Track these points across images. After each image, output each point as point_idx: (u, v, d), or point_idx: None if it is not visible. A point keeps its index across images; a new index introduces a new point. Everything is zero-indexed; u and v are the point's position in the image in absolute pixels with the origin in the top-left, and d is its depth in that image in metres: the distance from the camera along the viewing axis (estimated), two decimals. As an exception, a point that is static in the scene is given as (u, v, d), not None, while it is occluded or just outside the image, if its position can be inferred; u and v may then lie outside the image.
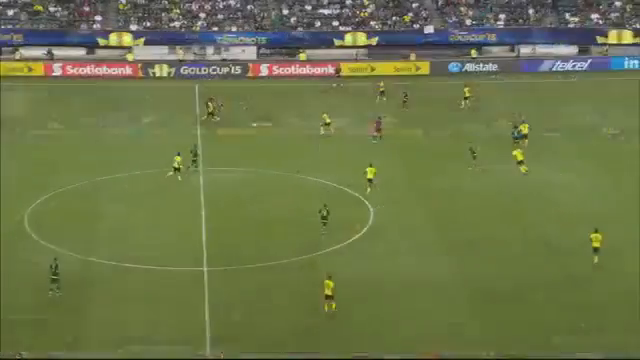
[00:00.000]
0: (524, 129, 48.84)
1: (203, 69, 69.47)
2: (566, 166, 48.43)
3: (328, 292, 33.39)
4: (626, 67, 69.92)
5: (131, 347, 31.28)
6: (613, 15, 73.82)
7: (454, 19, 74.17)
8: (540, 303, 34.25)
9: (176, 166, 46.39)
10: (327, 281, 33.61)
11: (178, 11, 73.73)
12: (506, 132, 52.75)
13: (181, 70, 69.12)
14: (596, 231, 37.40)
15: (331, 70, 69.18)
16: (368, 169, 44.85)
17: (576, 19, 74.09)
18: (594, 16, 73.94)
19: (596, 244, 37.06)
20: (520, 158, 47.04)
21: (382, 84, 61.29)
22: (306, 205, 43.63)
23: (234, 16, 74.13)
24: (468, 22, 74.06)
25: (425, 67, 69.99)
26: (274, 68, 70.13)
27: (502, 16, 74.42)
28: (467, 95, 59.33)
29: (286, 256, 38.34)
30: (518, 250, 38.91)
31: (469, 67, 70.34)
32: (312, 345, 31.73)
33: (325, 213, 40.28)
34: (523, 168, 46.87)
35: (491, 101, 61.64)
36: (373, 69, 69.95)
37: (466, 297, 34.98)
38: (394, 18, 74.17)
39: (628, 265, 37.15)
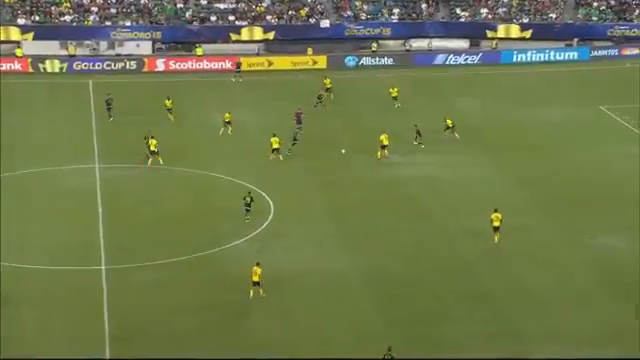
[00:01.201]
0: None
1: (97, 64, 67.96)
2: (459, 157, 49.37)
3: (255, 278, 33.72)
4: (515, 61, 72.09)
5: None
6: (501, 10, 76.04)
7: (349, 13, 74.92)
8: (439, 293, 34.85)
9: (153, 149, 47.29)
10: (255, 268, 33.87)
11: (69, 5, 71.84)
12: (404, 125, 53.70)
13: (74, 65, 67.43)
14: (496, 211, 38.57)
15: (229, 65, 68.80)
16: (272, 139, 47.89)
17: (466, 14, 75.99)
18: (483, 11, 75.99)
19: (496, 223, 38.25)
20: (385, 142, 47.94)
21: (328, 81, 60.05)
22: (207, 200, 43.40)
23: (127, 10, 72.78)
24: (363, 16, 74.94)
25: (322, 61, 70.39)
26: (170, 63, 69.20)
27: (396, 10, 75.60)
28: (395, 95, 58.06)
29: (186, 252, 37.99)
30: (416, 240, 39.51)
31: (366, 61, 71.15)
32: (213, 343, 31.53)
33: (249, 200, 40.42)
34: (380, 153, 47.73)
35: (385, 94, 62.52)
36: (271, 63, 69.94)
37: (366, 288, 35.31)
38: (290, 12, 74.34)
39: (516, 252, 38.17)
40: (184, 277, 36.20)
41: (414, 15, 75.84)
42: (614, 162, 48.58)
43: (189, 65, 69.48)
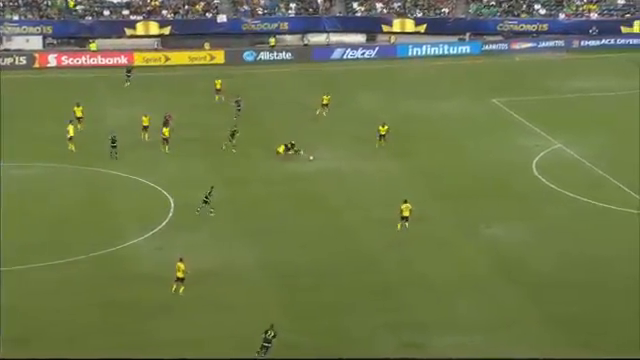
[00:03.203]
0: (382, 130, 49.03)
1: (-15, 60, 65.67)
2: (359, 151, 49.85)
3: (179, 274, 33.42)
4: (410, 54, 73.37)
5: None
6: (396, 5, 77.23)
7: (246, 8, 74.65)
8: (342, 285, 35.11)
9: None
10: (178, 264, 33.61)
11: (-48, -1, 69.22)
12: (306, 119, 53.98)
13: (-40, 61, 64.98)
14: (405, 202, 39.37)
15: (124, 60, 67.55)
16: (164, 129, 47.96)
17: (362, 8, 76.85)
18: (379, 5, 77.01)
19: (406, 213, 39.25)
20: (280, 151, 48.15)
21: (219, 82, 58.43)
22: (104, 198, 42.58)
23: (15, 4, 70.45)
24: (260, 11, 74.79)
25: (220, 56, 69.95)
26: (63, 58, 67.49)
27: (293, 5, 75.78)
28: (325, 102, 55.39)
29: (84, 251, 37.24)
30: (319, 234, 39.69)
31: (264, 56, 71.09)
32: (113, 342, 31.08)
33: (208, 192, 40.49)
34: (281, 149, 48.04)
35: (285, 90, 62.69)
36: (167, 59, 69.06)
37: (269, 283, 35.34)
38: (186, 7, 73.52)
39: (416, 243, 38.82)
40: (82, 276, 35.51)
41: (311, 10, 76.20)
42: (506, 153, 49.90)
43: (83, 61, 67.91)
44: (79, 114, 51.42)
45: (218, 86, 58.55)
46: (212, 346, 30.93)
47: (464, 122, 55.60)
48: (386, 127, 49.46)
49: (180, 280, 33.72)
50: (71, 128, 48.84)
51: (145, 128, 50.28)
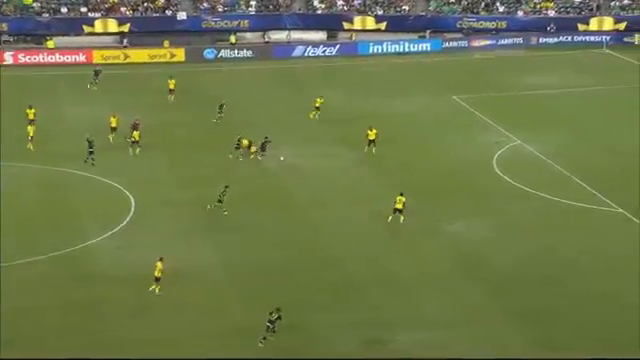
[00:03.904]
0: (372, 134, 48.12)
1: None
2: (321, 149, 49.76)
3: (157, 274, 33.33)
4: (371, 52, 73.54)
5: None
6: (356, 2, 77.35)
7: (206, 5, 74.23)
8: (305, 283, 35.04)
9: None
10: (157, 263, 33.45)
11: None
12: (268, 117, 53.85)
13: None
14: (401, 194, 39.62)
15: (83, 58, 66.80)
16: (134, 133, 46.89)
17: (323, 5, 76.84)
18: (339, 2, 77.05)
19: (399, 205, 39.65)
20: (246, 143, 47.60)
21: (172, 82, 57.46)
22: (64, 198, 42.06)
23: (-30, 1, 69.46)
24: (220, 8, 74.44)
25: (180, 54, 69.50)
26: (20, 56, 66.53)
27: (253, 2, 75.52)
28: (317, 105, 54.47)
29: (43, 252, 36.76)
30: (281, 231, 39.55)
31: (224, 53, 70.77)
32: (73, 342, 30.73)
33: (222, 191, 40.07)
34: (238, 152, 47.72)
35: (247, 87, 62.48)
36: (127, 56, 68.43)
37: (230, 281, 35.11)
38: (145, 4, 72.89)
39: (379, 240, 38.91)
40: (42, 277, 35.02)
41: (271, 7, 76.02)
42: (467, 150, 50.15)
43: (40, 58, 67.02)
44: (31, 117, 50.05)
45: (171, 86, 57.52)
46: (174, 346, 30.70)
47: (425, 119, 55.86)
48: (374, 131, 47.89)
49: (158, 280, 33.53)
50: (31, 128, 48.10)
51: (113, 129, 49.48)
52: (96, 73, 60.74)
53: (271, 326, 30.54)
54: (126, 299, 33.46)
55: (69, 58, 67.18)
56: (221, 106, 53.60)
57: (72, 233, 38.61)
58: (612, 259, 37.10)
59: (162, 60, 68.39)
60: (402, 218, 39.70)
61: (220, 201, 40.38)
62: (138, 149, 47.85)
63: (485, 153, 49.44)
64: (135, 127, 48.72)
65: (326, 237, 39.17)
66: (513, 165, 47.66)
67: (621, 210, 41.69)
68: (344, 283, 35.02)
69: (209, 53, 70.39)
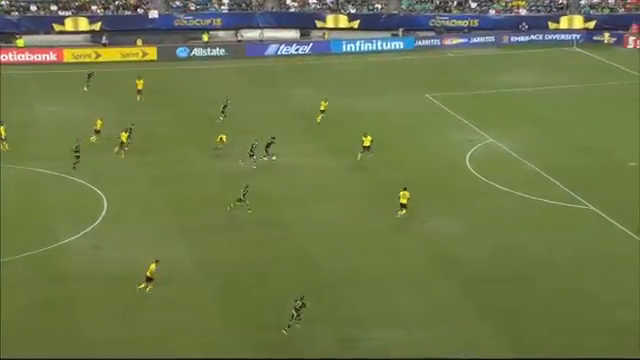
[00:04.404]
0: (366, 141, 47.38)
1: None
2: (295, 147, 49.58)
3: (148, 274, 33.27)
4: (344, 50, 73.61)
5: None
6: (329, 0, 77.37)
7: (178, 4, 73.87)
8: (279, 282, 34.94)
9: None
10: (152, 265, 33.43)
11: None
12: (241, 116, 53.53)
13: None
14: (405, 189, 39.93)
15: (53, 57, 66.22)
16: (122, 136, 46.53)
17: (296, 4, 76.78)
18: (312, 1, 77.04)
19: (403, 200, 39.99)
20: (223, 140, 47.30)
21: (141, 82, 57.03)
22: (37, 198, 41.67)
23: (-62, -1, 68.58)
24: (192, 7, 74.12)
25: (152, 52, 69.11)
26: (-11, 55, 65.85)
27: (226, 1, 75.30)
28: (323, 108, 53.68)
29: (15, 252, 36.39)
30: (255, 230, 39.40)
31: (197, 52, 70.50)
32: (46, 342, 30.49)
33: (243, 191, 39.98)
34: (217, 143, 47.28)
35: (219, 86, 62.26)
36: (98, 55, 67.91)
37: (204, 281, 34.94)
38: (117, 2, 72.38)
39: (353, 238, 38.82)
40: (14, 277, 34.62)
41: (244, 5, 75.83)
42: (440, 148, 50.32)
43: (9, 57, 66.30)
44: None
45: (140, 86, 57.06)
46: (150, 344, 30.53)
47: (398, 117, 55.98)
48: (369, 137, 46.93)
49: (150, 280, 33.48)
50: (2, 128, 47.52)
51: (97, 132, 48.96)
52: (89, 76, 60.00)
53: (296, 314, 30.82)
54: (101, 298, 33.22)
55: (39, 57, 66.54)
56: (225, 106, 53.29)
57: (45, 233, 38.25)
58: (583, 257, 37.33)
59: (134, 59, 67.97)
60: (399, 213, 39.95)
61: (241, 200, 40.13)
62: (123, 152, 47.40)
63: (458, 151, 49.61)
64: (126, 130, 48.04)
65: (300, 235, 39.03)
66: (486, 163, 47.86)
67: (592, 208, 41.99)
68: (317, 281, 34.95)
69: (182, 52, 70.07)
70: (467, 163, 47.93)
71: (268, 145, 46.78)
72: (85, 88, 59.28)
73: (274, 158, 46.96)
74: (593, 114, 57.01)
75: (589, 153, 49.61)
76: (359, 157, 47.14)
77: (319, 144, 50.16)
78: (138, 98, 56.96)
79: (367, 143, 47.21)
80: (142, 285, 33.43)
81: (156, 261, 33.71)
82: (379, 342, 30.93)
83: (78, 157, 45.20)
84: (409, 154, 49.49)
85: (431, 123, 55.16)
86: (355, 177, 45.73)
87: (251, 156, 46.00)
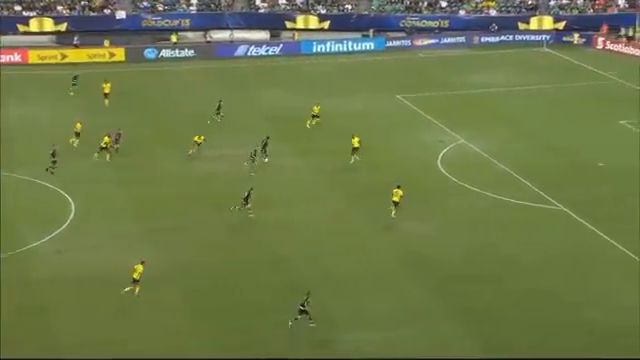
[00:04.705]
0: (356, 143, 47.00)
1: None
2: (268, 150, 48.72)
3: (135, 276, 32.89)
4: (315, 51, 73.28)
5: None
6: (299, 1, 76.99)
7: (146, 4, 73.09)
8: (250, 285, 34.57)
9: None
10: (138, 265, 33.11)
11: None
12: (210, 117, 53.09)
13: None
14: (398, 187, 39.97)
15: (18, 58, 65.19)
16: (105, 140, 45.59)
17: (265, 4, 76.31)
18: (282, 2, 76.61)
19: (395, 198, 39.94)
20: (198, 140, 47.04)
21: (107, 86, 56.08)
22: (3, 202, 40.89)
23: None
24: (160, 7, 73.37)
25: (120, 54, 68.32)
26: (-47, 56, 64.68)
27: (194, 1, 74.64)
28: (315, 113, 52.78)
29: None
30: (225, 234, 39.07)
31: (165, 53, 69.80)
32: (17, 347, 29.90)
33: (246, 193, 39.75)
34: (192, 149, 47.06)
35: (189, 87, 61.64)
36: (64, 56, 66.96)
37: (173, 284, 34.47)
38: (83, 3, 71.44)
39: (326, 240, 38.63)
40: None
41: (213, 6, 75.22)
42: (412, 149, 50.18)
43: (-26, 58, 65.27)
44: None
45: (107, 90, 56.23)
46: (118, 347, 30.16)
47: (370, 118, 55.71)
48: (357, 139, 46.64)
49: (136, 282, 33.14)
50: None
51: (77, 134, 48.19)
52: (74, 78, 58.98)
53: (303, 308, 31.10)
54: (69, 302, 32.78)
55: (3, 58, 65.44)
56: (219, 107, 53.01)
57: (12, 237, 37.56)
58: (553, 256, 37.34)
59: (101, 60, 67.15)
60: (393, 212, 39.99)
61: (246, 203, 39.74)
62: (108, 155, 46.69)
63: (430, 152, 49.50)
64: (109, 135, 47.27)
65: (271, 238, 38.70)
66: (457, 164, 47.79)
67: (563, 208, 42.02)
68: (288, 283, 34.66)
69: (150, 53, 69.33)
70: (439, 164, 47.83)
71: (265, 146, 46.44)
72: (71, 93, 58.14)
73: (266, 160, 46.57)
74: (563, 114, 57.17)
75: (559, 153, 49.71)
76: (352, 160, 46.75)
77: (290, 145, 49.75)
78: (106, 102, 56.14)
79: (356, 144, 46.94)
80: (128, 288, 33.08)
81: (142, 262, 33.35)
82: (354, 344, 30.74)
83: (55, 162, 44.51)
84: (381, 155, 49.19)
85: (402, 124, 54.99)
86: (327, 179, 45.43)
87: (253, 161, 45.61)
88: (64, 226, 38.87)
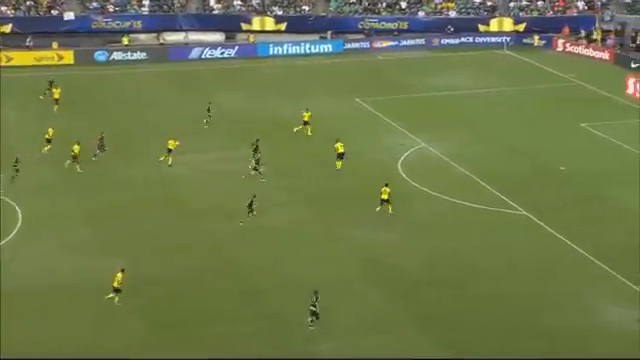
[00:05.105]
0: (340, 148, 45.81)
1: None
2: (221, 153, 48.09)
3: (115, 284, 32.43)
4: (271, 53, 71.88)
5: None
6: (255, 2, 75.49)
7: (95, 5, 71.00)
8: (206, 293, 33.61)
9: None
10: (118, 274, 32.54)
11: None
12: (164, 121, 51.67)
13: None
14: (386, 185, 40.36)
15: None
16: (74, 149, 44.34)
17: (220, 6, 74.68)
18: (237, 3, 75.04)
19: (384, 196, 40.27)
20: (171, 147, 45.90)
21: (57, 91, 54.51)
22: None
23: None
24: (111, 8, 71.34)
25: (69, 56, 66.34)
26: None
27: (146, 2, 72.75)
28: (306, 119, 51.63)
29: None
30: (179, 240, 37.93)
31: (117, 56, 67.93)
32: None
33: (250, 201, 39.20)
34: (165, 157, 45.98)
35: (141, 91, 59.77)
36: (10, 59, 64.68)
37: (127, 293, 32.87)
38: (28, 3, 69.16)
39: (284, 246, 37.62)
40: None
41: (166, 7, 73.41)
42: (372, 153, 49.20)
43: None
44: None
45: (57, 95, 54.37)
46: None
47: (328, 122, 54.50)
48: (341, 143, 45.67)
49: (117, 290, 32.32)
50: None
51: (48, 141, 46.58)
52: (50, 83, 56.55)
53: (314, 309, 30.96)
54: (19, 313, 31.61)
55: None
56: (209, 109, 52.09)
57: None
58: (513, 261, 36.90)
59: (49, 63, 65.08)
60: (389, 208, 39.86)
61: (251, 210, 38.95)
62: (78, 166, 45.09)
63: (390, 156, 48.64)
64: (79, 143, 45.52)
65: (227, 245, 37.70)
66: (417, 168, 47.01)
67: (523, 212, 41.39)
68: (247, 290, 33.76)
69: (100, 55, 67.34)
70: (399, 168, 46.92)
71: (255, 149, 45.39)
72: (41, 97, 56.04)
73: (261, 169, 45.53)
74: (523, 117, 56.62)
75: (520, 157, 49.16)
76: (339, 166, 45.70)
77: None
78: (55, 109, 54.14)
79: (341, 149, 45.82)
80: (110, 295, 32.32)
81: (122, 270, 32.47)
82: (315, 354, 29.96)
83: (17, 170, 43.22)
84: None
85: (362, 128, 54.02)
86: (287, 183, 44.42)
87: (256, 170, 44.53)
88: (11, 236, 37.57)
